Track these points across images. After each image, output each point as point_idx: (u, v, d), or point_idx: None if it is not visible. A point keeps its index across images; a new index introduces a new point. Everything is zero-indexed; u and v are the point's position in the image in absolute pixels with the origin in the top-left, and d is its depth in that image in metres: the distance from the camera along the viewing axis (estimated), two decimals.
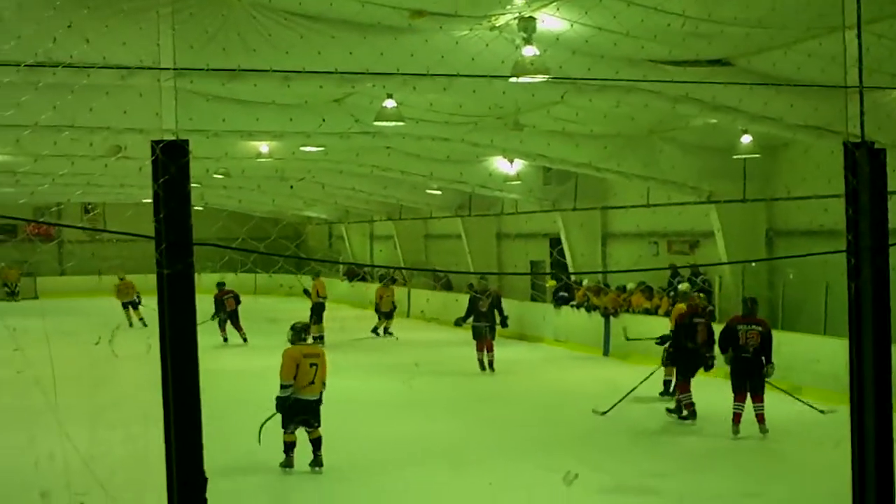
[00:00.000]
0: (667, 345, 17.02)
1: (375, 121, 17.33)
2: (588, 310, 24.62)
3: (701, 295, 18.72)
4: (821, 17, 11.28)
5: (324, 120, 18.38)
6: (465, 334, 22.32)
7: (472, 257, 33.79)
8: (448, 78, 13.27)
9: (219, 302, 26.92)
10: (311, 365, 12.49)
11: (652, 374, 17.07)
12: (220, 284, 26.98)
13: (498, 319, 21.54)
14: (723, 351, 14.74)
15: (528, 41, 12.16)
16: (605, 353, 23.67)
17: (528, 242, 31.62)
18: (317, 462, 12.61)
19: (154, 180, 4.00)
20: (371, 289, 33.78)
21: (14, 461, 13.39)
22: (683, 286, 20.44)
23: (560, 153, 22.01)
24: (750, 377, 14.51)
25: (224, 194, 36.57)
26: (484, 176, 27.22)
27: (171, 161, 3.96)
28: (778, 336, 15.83)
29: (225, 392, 13.77)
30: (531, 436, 14.97)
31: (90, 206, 46.91)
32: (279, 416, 12.54)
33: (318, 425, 12.61)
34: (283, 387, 12.33)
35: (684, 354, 15.91)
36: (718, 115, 16.66)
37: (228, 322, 27.02)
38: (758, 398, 14.58)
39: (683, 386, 15.80)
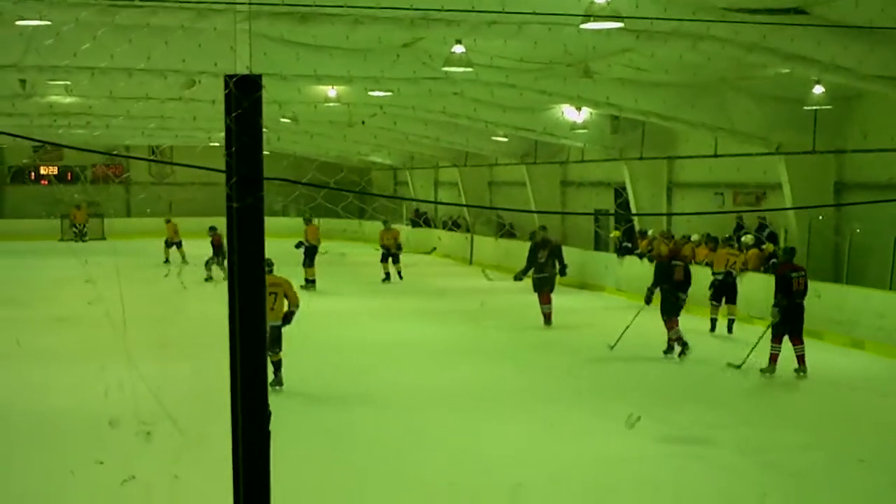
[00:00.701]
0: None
1: (444, 66, 17.31)
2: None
3: (769, 245, 18.80)
4: None
5: (397, 57, 18.30)
6: (526, 282, 22.31)
7: (535, 205, 33.71)
8: (518, 25, 13.24)
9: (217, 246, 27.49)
10: (270, 293, 13.35)
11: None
12: (213, 228, 27.61)
13: (557, 268, 21.06)
14: (780, 297, 15.19)
15: None
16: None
17: (593, 191, 31.48)
18: (277, 381, 13.73)
19: (226, 114, 4.03)
20: (435, 234, 33.88)
21: (84, 391, 13.76)
22: (747, 238, 20.32)
23: (628, 101, 21.82)
24: (795, 321, 15.28)
25: (291, 139, 36.81)
26: (550, 123, 27.12)
27: (243, 95, 3.99)
28: (843, 290, 15.76)
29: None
30: (587, 384, 15.03)
31: (158, 149, 47.37)
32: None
33: (279, 349, 13.79)
34: None
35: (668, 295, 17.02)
36: (791, 64, 16.41)
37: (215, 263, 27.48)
38: (799, 340, 15.34)
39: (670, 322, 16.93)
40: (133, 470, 9.58)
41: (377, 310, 23.52)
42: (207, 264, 27.48)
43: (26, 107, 25.37)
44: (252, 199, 4.04)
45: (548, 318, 20.80)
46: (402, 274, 29.19)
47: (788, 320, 15.18)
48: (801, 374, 15.33)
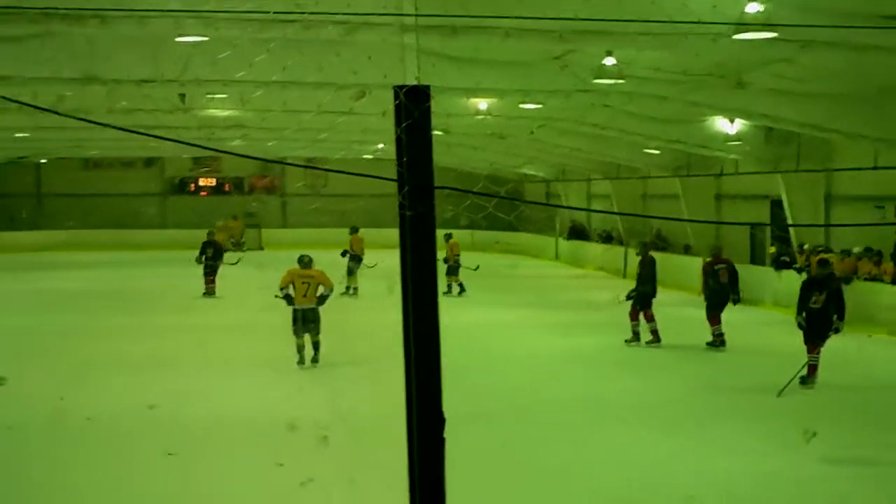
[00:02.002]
0: None
1: (595, 78, 17.31)
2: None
3: None
4: None
5: (548, 70, 18.33)
6: (678, 294, 21.99)
7: (689, 217, 33.31)
8: (672, 37, 13.21)
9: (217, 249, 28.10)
10: (304, 283, 16.48)
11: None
12: (210, 233, 28.78)
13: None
14: None
15: None
16: (840, 317, 22.94)
17: (748, 204, 30.99)
18: (314, 359, 16.50)
19: (396, 125, 4.16)
20: (590, 247, 33.60)
21: (264, 395, 14.21)
22: None
23: (783, 112, 21.44)
24: None
25: (441, 151, 37.15)
26: (703, 135, 26.81)
27: (413, 105, 4.12)
28: None
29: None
30: (747, 400, 14.80)
31: (311, 161, 48.23)
32: None
33: (317, 332, 16.48)
34: (281, 288, 16.62)
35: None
36: None
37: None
38: None
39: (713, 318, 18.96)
40: (311, 472, 9.89)
41: (526, 322, 23.60)
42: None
43: (185, 120, 26.21)
44: (423, 208, 4.17)
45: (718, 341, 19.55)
46: (465, 286, 28.81)
47: None
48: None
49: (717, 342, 19.16)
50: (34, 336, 20.25)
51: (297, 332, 16.49)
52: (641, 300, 19.65)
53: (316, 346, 16.58)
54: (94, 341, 19.25)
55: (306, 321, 16.39)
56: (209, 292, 27.49)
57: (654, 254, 20.76)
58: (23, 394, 13.20)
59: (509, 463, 11.39)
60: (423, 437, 4.28)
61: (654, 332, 19.45)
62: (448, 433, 4.28)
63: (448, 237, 27.90)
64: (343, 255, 27.79)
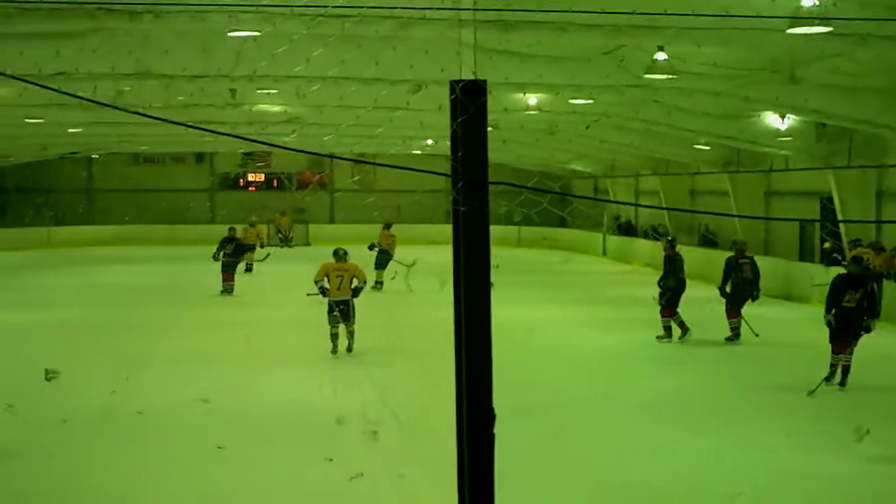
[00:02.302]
0: None
1: (645, 73, 17.21)
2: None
3: None
4: None
5: (600, 65, 18.23)
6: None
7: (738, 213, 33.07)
8: (727, 32, 13.10)
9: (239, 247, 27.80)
10: (338, 276, 17.38)
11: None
12: (231, 229, 28.15)
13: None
14: None
15: None
16: (876, 315, 22.70)
17: (798, 201, 30.71)
18: (349, 348, 17.33)
19: (452, 120, 4.13)
20: (637, 243, 33.42)
21: (313, 389, 14.27)
22: None
23: (837, 108, 21.24)
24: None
25: (492, 147, 37.04)
26: (753, 131, 26.59)
27: (469, 100, 4.09)
28: None
29: None
30: (793, 399, 14.59)
31: (361, 156, 48.35)
32: None
33: (352, 323, 17.26)
34: (316, 282, 17.60)
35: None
36: None
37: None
38: None
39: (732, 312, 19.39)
40: (360, 467, 9.91)
41: (572, 318, 23.55)
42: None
43: (236, 115, 26.30)
44: (478, 204, 4.12)
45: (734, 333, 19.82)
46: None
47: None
48: None
49: (734, 335, 19.46)
50: (86, 330, 20.45)
51: (333, 323, 17.28)
52: (667, 296, 19.79)
53: (350, 335, 17.34)
54: (144, 336, 19.39)
55: (341, 312, 17.22)
56: (227, 290, 26.89)
57: (692, 249, 20.63)
58: (75, 388, 13.31)
59: (553, 458, 11.35)
60: (472, 432, 4.28)
61: (681, 325, 19.53)
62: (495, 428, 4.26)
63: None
64: (370, 248, 27.91)
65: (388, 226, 28.59)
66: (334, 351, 17.22)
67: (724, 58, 17.88)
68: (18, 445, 11.67)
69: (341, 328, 17.29)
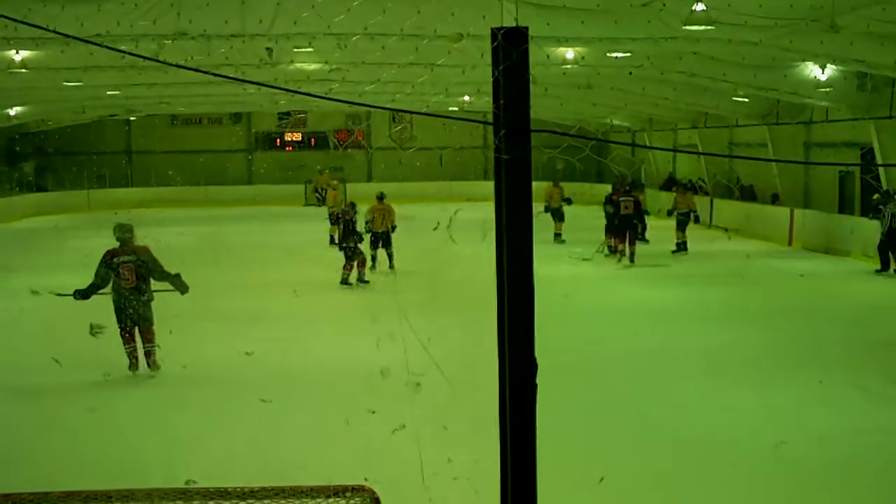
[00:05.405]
0: None
1: (684, 25, 17.07)
2: None
3: None
4: None
5: (637, 16, 18.08)
6: (765, 245, 21.55)
7: (777, 167, 32.82)
8: None
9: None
10: (381, 213, 22.76)
11: None
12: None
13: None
14: None
15: None
16: None
17: (838, 152, 30.41)
18: (391, 266, 22.98)
19: (494, 67, 4.11)
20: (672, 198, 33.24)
21: (357, 343, 14.39)
22: None
23: (877, 57, 20.95)
24: None
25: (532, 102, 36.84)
26: (793, 82, 26.31)
27: (511, 47, 4.07)
28: None
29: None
30: (830, 351, 14.60)
31: (397, 116, 48.25)
32: None
33: (391, 247, 22.91)
34: (366, 222, 22.48)
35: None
36: None
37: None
38: None
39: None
40: (403, 419, 9.97)
41: (610, 273, 23.53)
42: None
43: (273, 74, 26.24)
44: (521, 151, 4.11)
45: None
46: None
47: None
48: None
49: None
50: None
51: (374, 247, 22.79)
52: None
53: (390, 256, 22.98)
54: (187, 294, 19.50)
55: (382, 238, 22.77)
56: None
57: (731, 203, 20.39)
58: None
59: (594, 412, 11.44)
60: (514, 382, 4.28)
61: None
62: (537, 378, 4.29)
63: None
64: (367, 230, 25.10)
65: (381, 198, 23.88)
66: (373, 267, 22.48)
67: (764, 7, 17.68)
68: (67, 396, 11.94)
69: (381, 252, 22.79)
